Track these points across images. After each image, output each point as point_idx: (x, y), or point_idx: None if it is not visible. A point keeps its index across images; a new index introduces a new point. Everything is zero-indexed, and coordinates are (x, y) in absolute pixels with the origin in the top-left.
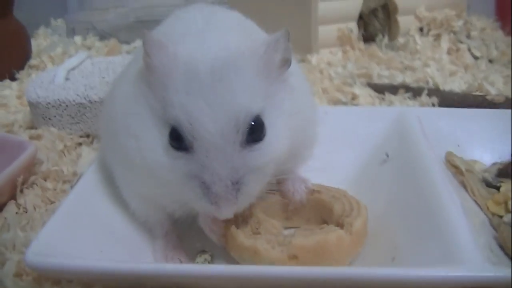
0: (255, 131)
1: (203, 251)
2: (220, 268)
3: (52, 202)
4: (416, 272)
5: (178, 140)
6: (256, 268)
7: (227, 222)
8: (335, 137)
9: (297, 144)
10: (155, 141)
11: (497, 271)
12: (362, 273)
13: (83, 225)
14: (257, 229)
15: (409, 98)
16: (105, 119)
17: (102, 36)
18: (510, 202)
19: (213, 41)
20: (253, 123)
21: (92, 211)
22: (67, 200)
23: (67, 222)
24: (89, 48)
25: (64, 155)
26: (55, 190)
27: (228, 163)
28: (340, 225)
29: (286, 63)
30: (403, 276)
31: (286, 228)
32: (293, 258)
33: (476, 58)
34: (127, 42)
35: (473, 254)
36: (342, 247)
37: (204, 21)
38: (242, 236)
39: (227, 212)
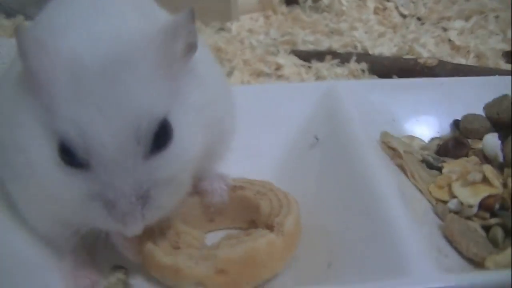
0: (160, 137)
1: (117, 267)
2: None
3: None
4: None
5: (69, 155)
6: None
7: (142, 237)
8: (257, 120)
9: (212, 141)
10: (44, 156)
11: (448, 279)
12: None
13: None
14: (176, 242)
15: (337, 65)
16: None
17: (9, 13)
18: (454, 185)
19: (102, 32)
20: (157, 128)
21: None
22: None
23: None
24: None
25: None
26: None
27: (130, 178)
28: (269, 226)
29: (191, 49)
30: None
31: (209, 231)
32: (221, 273)
33: (404, 16)
34: None
35: (419, 259)
36: (274, 253)
37: (90, 4)
38: (160, 254)
39: (133, 230)
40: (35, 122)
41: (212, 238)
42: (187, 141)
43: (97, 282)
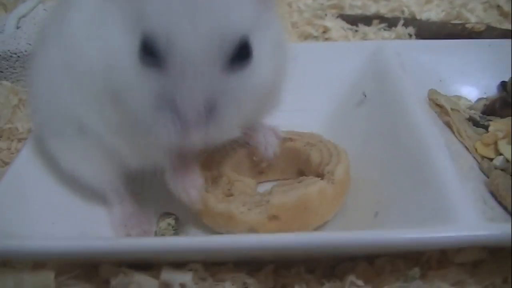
0: (240, 54)
1: (166, 214)
2: (184, 240)
3: (6, 164)
4: (403, 234)
5: (150, 53)
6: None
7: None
8: (306, 77)
9: (276, 81)
10: (125, 53)
11: (494, 228)
12: (342, 238)
13: (30, 197)
14: (229, 190)
15: (384, 29)
16: (49, 61)
17: None
18: (500, 143)
19: None
20: (239, 44)
21: (38, 182)
22: (10, 171)
23: (10, 195)
24: None
25: (20, 109)
26: (9, 150)
27: (204, 85)
28: (320, 175)
29: None
30: (389, 239)
31: (260, 182)
32: (274, 219)
33: None
34: None
35: (466, 209)
36: (325, 200)
37: None
38: (213, 200)
39: (195, 139)
40: (121, 20)
41: (263, 189)
42: (263, 66)
43: (149, 231)
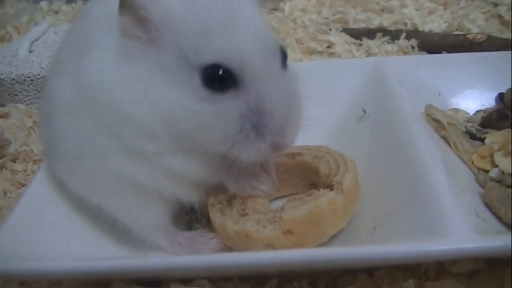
0: (284, 57)
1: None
2: (188, 259)
3: (22, 185)
4: (398, 248)
5: (217, 80)
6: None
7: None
8: (309, 94)
9: None
10: (187, 95)
11: (483, 241)
12: (342, 253)
13: (45, 219)
14: (243, 210)
15: (387, 42)
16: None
17: None
18: (496, 155)
19: None
20: (282, 50)
21: (53, 203)
22: (26, 193)
23: (27, 217)
24: (56, 13)
25: (34, 131)
26: (25, 171)
27: (281, 88)
28: (330, 185)
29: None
30: (385, 253)
31: (274, 199)
32: (288, 233)
33: None
34: None
35: (458, 222)
36: (336, 210)
37: None
38: (230, 223)
39: (292, 138)
40: (165, 70)
41: (276, 205)
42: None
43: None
